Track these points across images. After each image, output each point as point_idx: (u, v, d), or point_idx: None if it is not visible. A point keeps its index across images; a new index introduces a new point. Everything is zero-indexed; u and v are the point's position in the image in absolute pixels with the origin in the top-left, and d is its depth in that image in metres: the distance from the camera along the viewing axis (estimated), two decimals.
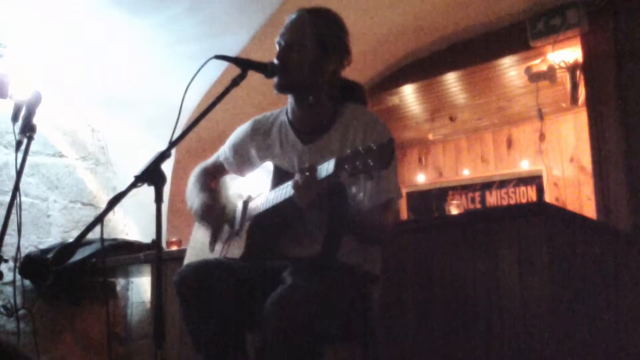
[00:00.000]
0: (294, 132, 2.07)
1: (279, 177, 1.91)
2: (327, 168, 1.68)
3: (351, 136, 1.95)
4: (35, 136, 2.70)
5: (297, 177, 1.72)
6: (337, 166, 1.64)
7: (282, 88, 1.99)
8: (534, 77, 4.28)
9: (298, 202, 1.73)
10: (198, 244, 2.24)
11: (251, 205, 2.00)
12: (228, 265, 1.93)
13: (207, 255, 2.13)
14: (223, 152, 2.26)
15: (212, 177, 2.29)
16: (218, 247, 2.10)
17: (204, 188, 2.22)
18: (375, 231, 1.93)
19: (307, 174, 1.70)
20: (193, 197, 2.21)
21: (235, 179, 2.21)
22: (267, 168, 2.00)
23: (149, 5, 3.37)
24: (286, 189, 1.80)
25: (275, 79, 1.98)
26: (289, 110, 2.09)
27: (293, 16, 2.03)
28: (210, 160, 2.32)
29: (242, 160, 2.19)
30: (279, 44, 2.01)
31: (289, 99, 2.07)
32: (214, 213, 2.11)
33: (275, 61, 1.97)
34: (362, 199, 1.89)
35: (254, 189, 2.03)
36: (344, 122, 2.00)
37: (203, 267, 1.92)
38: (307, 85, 1.99)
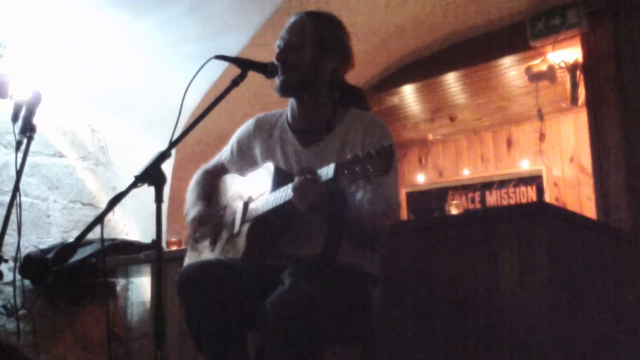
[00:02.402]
0: (293, 133, 2.07)
1: (280, 178, 1.91)
2: (326, 173, 1.68)
3: (351, 139, 1.95)
4: (35, 136, 2.70)
5: (296, 180, 1.72)
6: (337, 171, 1.64)
7: (284, 91, 2.00)
8: (534, 77, 4.28)
9: (297, 206, 1.73)
10: (199, 246, 2.24)
11: (251, 206, 2.00)
12: (229, 265, 1.93)
13: (208, 255, 2.13)
14: (225, 151, 2.27)
15: (214, 179, 2.29)
16: (218, 247, 2.10)
17: (201, 197, 2.21)
18: (372, 236, 1.93)
19: (307, 177, 1.70)
20: (189, 205, 2.21)
21: (236, 178, 2.21)
22: (268, 168, 2.00)
23: (149, 5, 3.37)
24: (286, 192, 1.80)
25: (276, 82, 1.98)
26: (289, 112, 2.10)
27: (292, 19, 2.04)
28: (212, 161, 2.33)
29: (244, 158, 2.19)
30: (279, 46, 2.01)
31: (290, 100, 2.08)
32: (208, 225, 2.10)
33: (275, 62, 1.97)
34: (361, 204, 1.89)
35: (255, 189, 2.03)
36: (345, 126, 2.01)
37: (204, 267, 1.92)
38: (307, 84, 1.99)
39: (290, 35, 2.00)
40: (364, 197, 1.89)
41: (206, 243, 2.17)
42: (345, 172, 1.61)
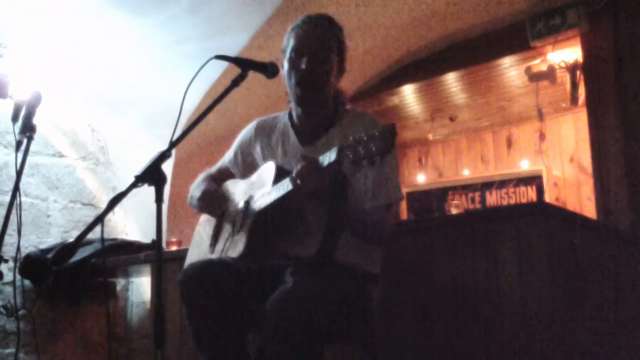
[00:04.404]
0: (295, 133, 2.08)
1: (281, 176, 1.92)
2: (329, 157, 1.68)
3: (351, 137, 1.95)
4: (35, 136, 2.70)
5: (299, 166, 1.73)
6: (340, 153, 1.64)
7: (308, 104, 2.00)
8: (534, 77, 4.28)
9: (298, 191, 1.74)
10: (200, 243, 2.24)
11: (252, 204, 2.01)
12: (231, 264, 1.93)
13: (209, 255, 2.13)
14: (229, 155, 2.29)
15: (217, 181, 2.30)
16: (219, 245, 2.10)
17: (206, 182, 2.26)
18: (375, 231, 1.94)
19: (308, 162, 1.72)
20: (193, 190, 2.25)
21: (237, 183, 2.22)
22: (269, 167, 2.01)
23: (149, 5, 3.37)
24: (285, 184, 1.81)
25: (297, 92, 1.97)
26: (292, 113, 2.11)
27: (311, 24, 2.02)
28: (215, 166, 2.35)
29: (247, 162, 2.21)
30: (299, 53, 1.97)
31: (292, 102, 2.08)
32: (216, 199, 2.14)
33: (285, 69, 1.98)
34: (363, 199, 1.90)
35: (256, 188, 2.04)
36: (344, 125, 2.02)
37: (206, 267, 1.92)
38: (325, 93, 2.01)
39: (315, 46, 1.98)
40: (366, 193, 1.90)
41: (208, 240, 2.18)
42: (348, 153, 1.62)
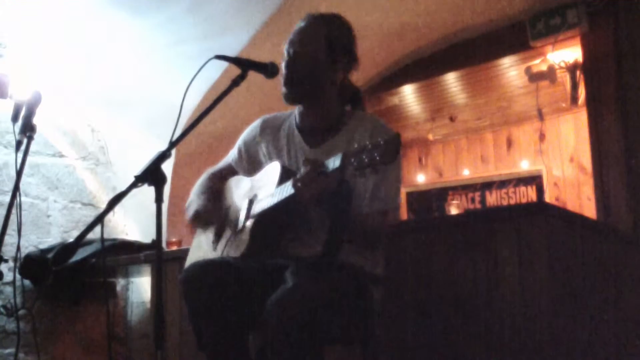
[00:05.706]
0: (301, 135, 2.08)
1: (286, 176, 1.92)
2: (333, 162, 1.68)
3: (357, 141, 1.95)
4: (35, 136, 2.70)
5: (302, 170, 1.73)
6: (344, 160, 1.64)
7: (292, 101, 2.03)
8: (534, 77, 4.28)
9: (301, 196, 1.73)
10: (202, 243, 2.24)
11: (255, 204, 2.00)
12: (232, 264, 1.93)
13: (210, 254, 2.13)
14: (232, 153, 2.28)
15: (220, 181, 2.29)
16: (221, 245, 2.10)
17: (204, 194, 2.22)
18: (370, 235, 1.94)
19: (312, 167, 1.71)
20: (191, 201, 2.22)
21: (241, 181, 2.21)
22: (274, 167, 2.00)
23: (149, 5, 3.37)
24: (288, 188, 1.81)
25: (283, 90, 2.01)
26: (297, 114, 2.11)
27: (303, 23, 2.05)
28: (219, 164, 2.33)
29: (251, 160, 2.20)
30: (288, 52, 2.02)
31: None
32: (214, 214, 2.12)
33: (283, 69, 1.98)
34: (362, 203, 1.90)
35: (260, 188, 2.03)
36: (351, 127, 2.02)
37: (208, 267, 1.92)
38: (314, 90, 2.01)
39: (300, 42, 2.01)
40: (366, 194, 1.90)
41: (210, 240, 2.18)
42: (352, 160, 1.61)
